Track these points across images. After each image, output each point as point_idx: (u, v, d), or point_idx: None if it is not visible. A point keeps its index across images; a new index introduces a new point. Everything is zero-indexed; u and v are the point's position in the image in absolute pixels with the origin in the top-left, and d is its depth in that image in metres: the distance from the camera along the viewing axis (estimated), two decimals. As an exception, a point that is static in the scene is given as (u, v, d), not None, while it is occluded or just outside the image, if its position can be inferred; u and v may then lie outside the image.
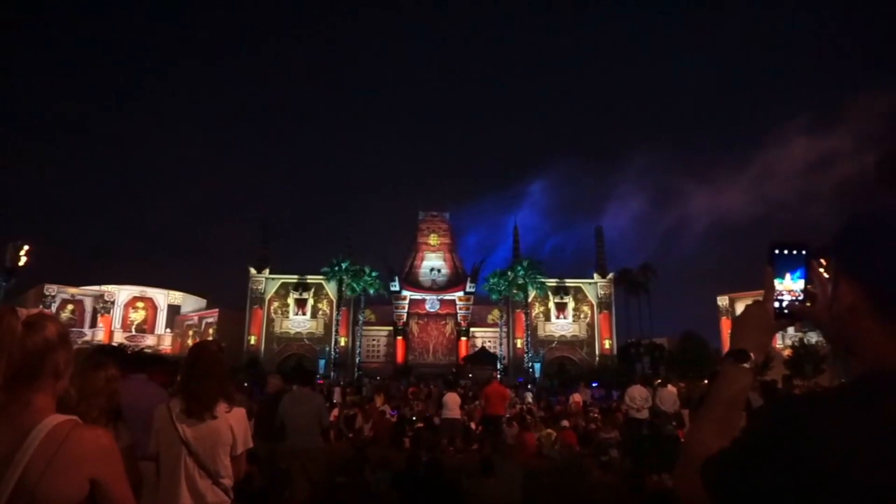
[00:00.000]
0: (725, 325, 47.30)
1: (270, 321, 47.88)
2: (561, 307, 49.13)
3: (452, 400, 12.45)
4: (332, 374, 40.92)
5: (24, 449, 1.32)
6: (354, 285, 46.05)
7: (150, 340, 49.08)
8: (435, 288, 49.97)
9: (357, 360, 46.46)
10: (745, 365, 1.01)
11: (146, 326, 51.61)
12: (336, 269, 45.99)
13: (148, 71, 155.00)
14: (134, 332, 50.18)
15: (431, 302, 49.56)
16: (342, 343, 47.35)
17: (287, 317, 48.17)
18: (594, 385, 28.98)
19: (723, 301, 49.72)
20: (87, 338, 43.74)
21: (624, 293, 49.67)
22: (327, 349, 46.24)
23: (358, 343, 47.43)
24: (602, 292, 49.46)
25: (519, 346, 47.71)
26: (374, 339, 49.34)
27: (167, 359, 5.61)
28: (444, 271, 50.98)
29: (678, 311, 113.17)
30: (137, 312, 51.71)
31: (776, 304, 1.04)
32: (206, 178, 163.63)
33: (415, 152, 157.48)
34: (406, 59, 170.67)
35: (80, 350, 2.55)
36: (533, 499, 6.57)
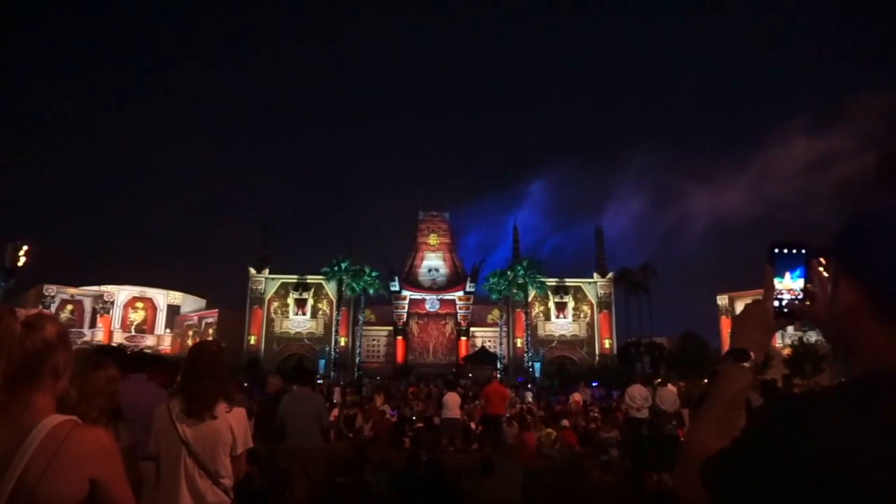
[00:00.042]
0: (725, 325, 47.31)
1: (270, 321, 47.89)
2: (561, 307, 49.15)
3: (452, 400, 12.45)
4: (332, 374, 40.90)
5: (24, 449, 1.32)
6: (354, 285, 46.06)
7: (149, 341, 49.10)
8: (435, 288, 49.98)
9: (357, 360, 46.46)
10: (745, 364, 1.01)
11: (146, 327, 51.61)
12: (336, 269, 46.00)
13: (148, 71, 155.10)
14: (133, 333, 50.20)
15: (431, 302, 49.58)
16: (342, 343, 47.36)
17: (287, 317, 48.18)
18: (594, 384, 29.00)
19: (722, 300, 49.76)
20: (87, 338, 43.73)
21: (624, 293, 49.73)
22: (327, 349, 46.24)
23: (358, 343, 47.44)
24: (602, 292, 49.49)
25: (519, 345, 47.73)
26: (374, 339, 49.34)
27: (167, 359, 5.61)
28: (443, 271, 51.00)
29: (678, 311, 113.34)
30: (137, 313, 51.71)
31: (776, 304, 1.04)
32: (206, 178, 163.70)
33: (415, 152, 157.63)
34: (406, 59, 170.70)
35: (79, 350, 2.55)
36: (533, 499, 6.57)
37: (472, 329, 48.53)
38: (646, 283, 48.97)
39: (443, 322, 49.43)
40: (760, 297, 1.07)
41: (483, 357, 40.22)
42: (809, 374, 32.92)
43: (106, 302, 49.15)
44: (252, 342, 46.67)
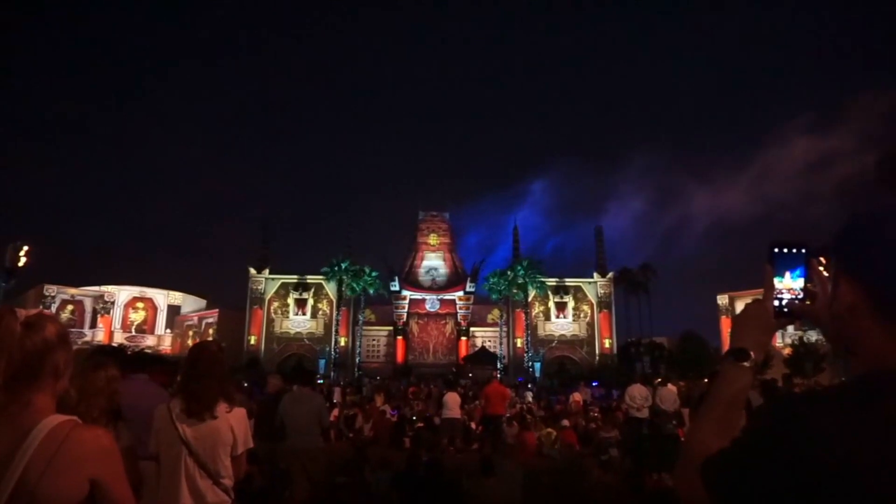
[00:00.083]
0: (725, 324, 47.32)
1: (270, 321, 47.89)
2: (561, 307, 49.16)
3: (452, 400, 12.45)
4: (332, 374, 40.90)
5: (24, 449, 1.32)
6: (354, 285, 46.07)
7: (150, 341, 49.11)
8: (435, 288, 49.98)
9: (357, 360, 46.47)
10: (745, 364, 1.01)
11: (146, 327, 51.63)
12: (336, 269, 46.00)
13: (148, 71, 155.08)
14: (134, 333, 50.21)
15: (431, 302, 49.58)
16: (342, 343, 47.36)
17: (287, 317, 48.19)
18: (594, 384, 29.04)
19: (722, 300, 49.77)
20: (87, 338, 43.73)
21: (624, 293, 49.75)
22: (327, 349, 46.25)
23: (358, 343, 47.45)
24: (602, 292, 49.51)
25: (519, 345, 47.74)
26: (374, 339, 49.35)
27: (167, 359, 5.60)
28: (443, 271, 51.00)
29: (678, 311, 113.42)
30: (137, 313, 51.72)
31: (776, 303, 1.04)
32: (206, 178, 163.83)
33: (415, 152, 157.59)
34: (406, 59, 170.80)
35: (79, 350, 2.55)
36: (533, 498, 6.57)
37: (472, 329, 48.54)
38: (646, 282, 48.98)
39: (443, 322, 49.44)
40: (760, 297, 1.07)
41: (483, 357, 40.22)
42: (809, 373, 32.92)
43: (106, 302, 49.16)
44: (252, 342, 46.68)
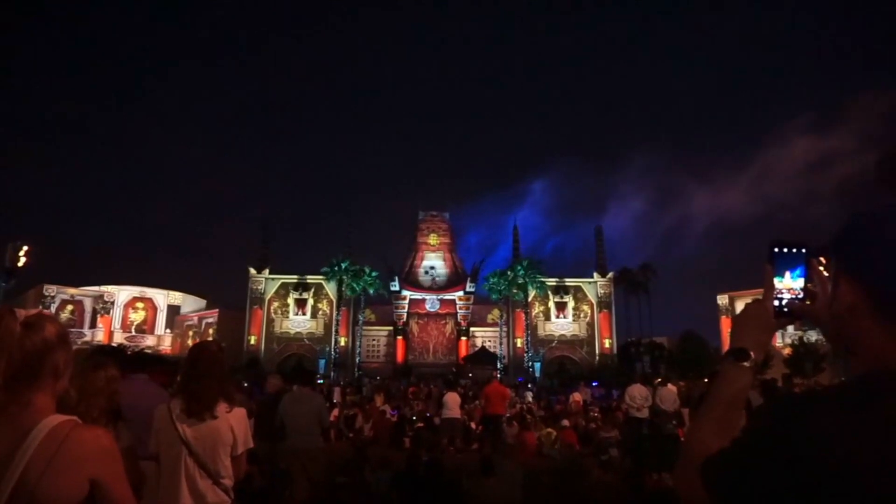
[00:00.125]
0: (725, 324, 47.33)
1: (270, 321, 47.89)
2: (561, 307, 49.16)
3: (452, 400, 12.45)
4: (332, 374, 40.90)
5: (24, 449, 1.32)
6: (354, 285, 46.07)
7: (149, 341, 49.11)
8: (435, 288, 49.97)
9: (357, 360, 46.47)
10: (745, 364, 1.01)
11: (146, 327, 51.62)
12: (336, 269, 46.00)
13: (148, 71, 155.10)
14: (134, 333, 50.20)
15: (431, 302, 49.58)
16: (342, 343, 47.36)
17: (287, 317, 48.19)
18: (594, 384, 29.03)
19: (723, 300, 49.78)
20: (87, 338, 43.72)
21: (624, 293, 49.76)
22: (327, 349, 46.25)
23: (358, 343, 47.44)
24: (602, 292, 49.50)
25: (519, 345, 47.73)
26: (374, 339, 49.35)
27: (167, 359, 5.60)
28: (443, 271, 51.00)
29: (678, 311, 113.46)
30: (137, 313, 51.72)
31: (776, 303, 1.04)
32: (206, 178, 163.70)
33: (415, 152, 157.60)
34: (406, 59, 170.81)
35: (79, 350, 2.55)
36: (533, 498, 6.57)
37: (472, 329, 48.54)
38: (646, 282, 48.99)
39: (443, 322, 49.43)
40: (760, 297, 1.07)
41: (483, 357, 40.22)
42: (809, 373, 32.93)
43: (106, 302, 49.16)
44: (252, 342, 46.68)
